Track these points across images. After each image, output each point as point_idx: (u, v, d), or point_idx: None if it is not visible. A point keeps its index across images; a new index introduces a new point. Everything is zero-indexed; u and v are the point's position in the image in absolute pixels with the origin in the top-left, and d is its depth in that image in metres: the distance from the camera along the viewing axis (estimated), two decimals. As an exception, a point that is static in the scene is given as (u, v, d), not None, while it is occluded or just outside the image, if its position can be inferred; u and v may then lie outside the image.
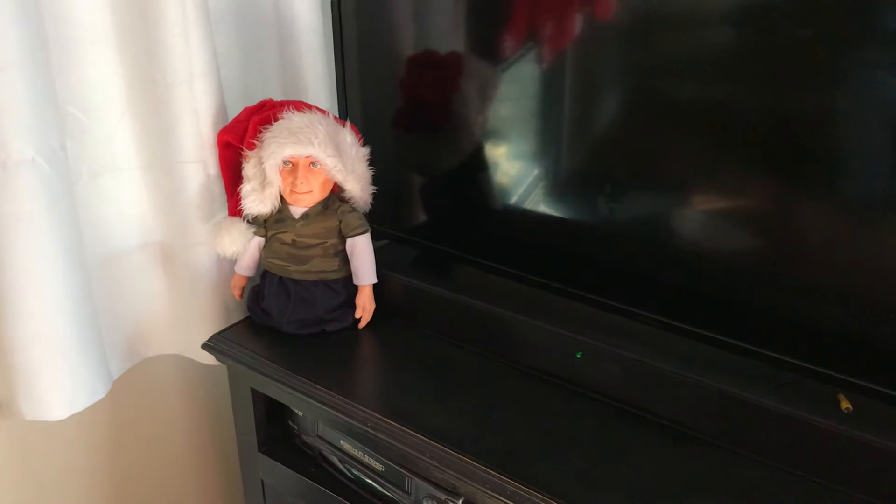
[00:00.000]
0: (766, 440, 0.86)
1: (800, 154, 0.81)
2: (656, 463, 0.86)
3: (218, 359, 1.09)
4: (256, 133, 1.01)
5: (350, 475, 1.05)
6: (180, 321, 1.17)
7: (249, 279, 1.13)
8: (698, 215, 0.91)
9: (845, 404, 0.88)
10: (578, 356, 0.96)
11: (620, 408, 0.94)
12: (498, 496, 0.84)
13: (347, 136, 1.02)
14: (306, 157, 0.99)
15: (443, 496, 0.93)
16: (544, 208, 1.03)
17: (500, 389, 0.98)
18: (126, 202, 1.09)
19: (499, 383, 0.99)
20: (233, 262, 1.11)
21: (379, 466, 1.00)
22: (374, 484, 1.02)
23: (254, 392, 1.09)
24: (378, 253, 1.10)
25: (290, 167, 1.00)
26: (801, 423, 0.83)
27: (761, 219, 0.87)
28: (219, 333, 1.10)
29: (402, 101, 1.11)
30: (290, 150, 0.98)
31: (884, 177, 0.78)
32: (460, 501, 0.92)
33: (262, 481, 1.15)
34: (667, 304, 0.95)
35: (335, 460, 1.06)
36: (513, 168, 1.04)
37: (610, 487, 0.83)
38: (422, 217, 1.19)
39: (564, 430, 0.91)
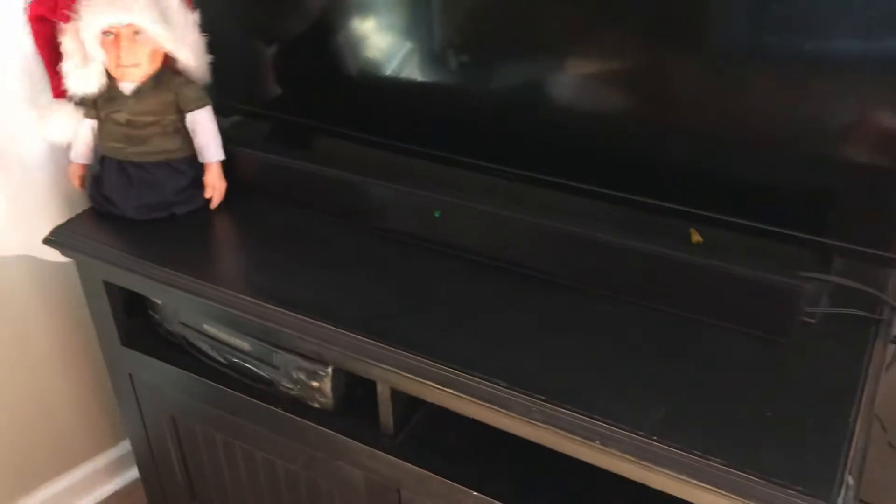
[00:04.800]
0: (620, 278, 0.88)
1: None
2: (515, 310, 0.87)
3: (63, 253, 1.03)
4: (70, 2, 0.93)
5: (221, 360, 1.02)
6: (19, 219, 1.09)
7: (88, 166, 1.05)
8: (551, 70, 0.90)
9: (696, 238, 0.91)
10: (437, 215, 0.95)
11: (480, 262, 0.94)
12: (362, 358, 0.84)
13: (173, 0, 0.94)
14: (127, 25, 0.91)
15: (311, 366, 0.92)
16: (400, 72, 0.99)
17: (361, 256, 0.97)
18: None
19: (359, 250, 0.98)
20: (67, 149, 1.04)
21: (245, 346, 0.98)
22: (244, 364, 1.00)
23: (107, 284, 1.04)
24: (229, 130, 1.04)
25: (112, 38, 0.93)
26: (654, 258, 0.85)
27: (612, 68, 0.87)
28: (61, 226, 1.03)
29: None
30: (108, 19, 0.90)
31: (735, 28, 0.79)
32: (329, 369, 0.91)
33: (131, 375, 1.12)
34: (521, 158, 0.95)
35: (204, 346, 1.04)
36: (367, 30, 1.00)
37: (469, 336, 0.84)
38: (275, 90, 1.13)
39: (425, 288, 0.91)
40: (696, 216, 0.88)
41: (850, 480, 0.67)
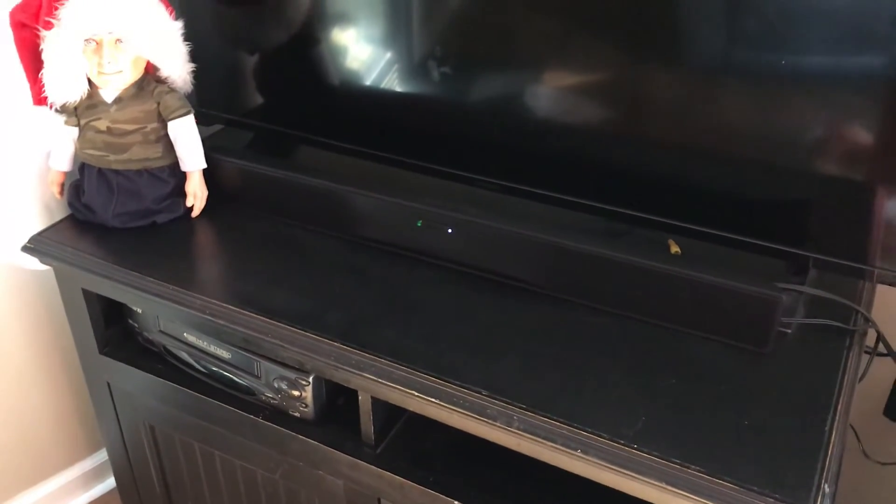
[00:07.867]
0: (601, 288, 0.88)
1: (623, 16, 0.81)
2: (499, 320, 0.88)
3: (42, 261, 1.02)
4: (52, 10, 0.92)
5: (201, 369, 1.02)
6: (-3, 226, 1.08)
7: (67, 174, 1.05)
8: (531, 82, 0.91)
9: (675, 248, 0.92)
10: (419, 224, 0.96)
11: (463, 271, 0.94)
12: (343, 367, 0.84)
13: (155, 8, 0.94)
14: (110, 32, 0.91)
15: (293, 375, 0.92)
16: (382, 82, 0.99)
17: (343, 265, 0.97)
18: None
19: (341, 259, 0.98)
20: (46, 157, 1.03)
21: (226, 354, 0.98)
22: (225, 374, 0.99)
23: (86, 293, 1.03)
24: (211, 139, 1.04)
25: (95, 46, 0.92)
26: (634, 268, 0.85)
27: (592, 80, 0.88)
28: (39, 234, 1.02)
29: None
30: (91, 26, 0.90)
31: (714, 44, 0.80)
32: (311, 378, 0.91)
33: (109, 384, 1.11)
34: (503, 168, 0.96)
35: (184, 355, 1.03)
36: (349, 41, 1.00)
37: (453, 345, 0.84)
38: (256, 99, 1.13)
39: (408, 297, 0.91)
40: (674, 227, 0.89)
41: (827, 488, 0.68)
